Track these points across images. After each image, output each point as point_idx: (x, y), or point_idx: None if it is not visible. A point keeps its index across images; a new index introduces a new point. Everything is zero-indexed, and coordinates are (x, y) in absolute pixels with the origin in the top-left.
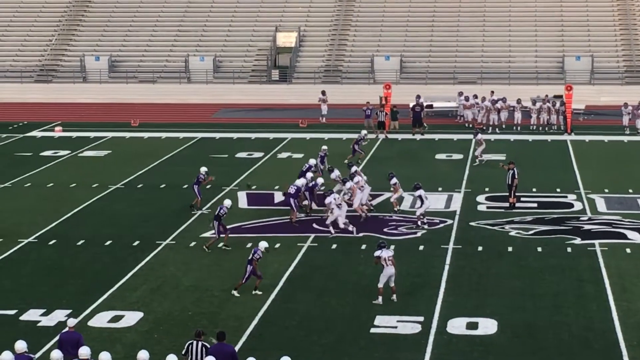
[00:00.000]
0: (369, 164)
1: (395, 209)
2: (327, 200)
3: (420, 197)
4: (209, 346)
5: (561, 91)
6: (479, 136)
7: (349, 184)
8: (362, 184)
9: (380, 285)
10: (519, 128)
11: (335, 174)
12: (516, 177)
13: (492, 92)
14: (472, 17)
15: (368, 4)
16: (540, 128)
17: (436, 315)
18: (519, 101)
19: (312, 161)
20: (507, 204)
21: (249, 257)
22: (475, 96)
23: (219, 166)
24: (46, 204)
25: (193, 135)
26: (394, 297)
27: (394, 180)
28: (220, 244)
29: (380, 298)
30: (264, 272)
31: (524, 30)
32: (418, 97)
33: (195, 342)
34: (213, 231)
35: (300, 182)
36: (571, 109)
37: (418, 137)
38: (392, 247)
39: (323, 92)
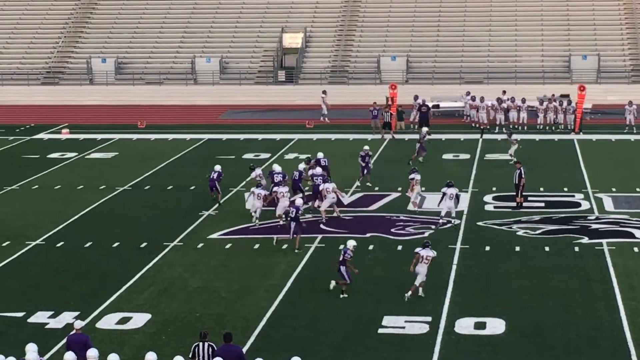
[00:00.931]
0: (376, 164)
1: (415, 208)
2: (321, 187)
3: (456, 195)
4: (215, 347)
5: (568, 90)
6: (514, 136)
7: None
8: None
9: (418, 283)
10: (525, 127)
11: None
12: (523, 176)
13: (504, 91)
14: (478, 17)
15: (374, 4)
16: (547, 127)
17: (444, 315)
18: (523, 100)
19: (302, 166)
20: (514, 204)
21: (340, 259)
22: (474, 97)
23: (226, 167)
24: (53, 206)
25: (200, 137)
26: (421, 291)
27: (413, 175)
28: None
29: (421, 290)
30: (271, 274)
31: (530, 30)
32: (416, 97)
33: (201, 344)
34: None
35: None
36: (582, 109)
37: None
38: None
39: (324, 92)
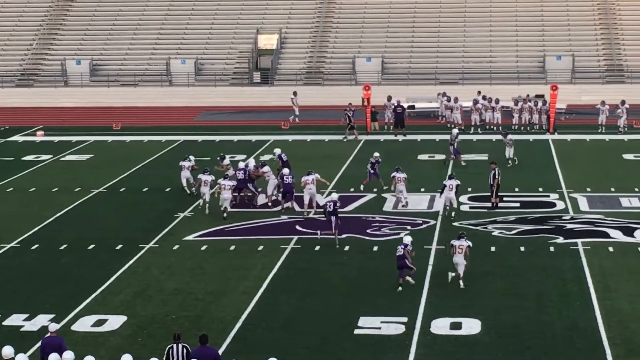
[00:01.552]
0: (351, 165)
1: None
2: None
3: (456, 186)
4: (189, 349)
5: (542, 91)
6: (509, 137)
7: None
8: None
9: (461, 272)
10: (500, 128)
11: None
12: (497, 177)
13: (479, 92)
14: (452, 18)
15: (349, 5)
16: (522, 128)
17: (420, 316)
18: (497, 101)
19: (252, 163)
20: (489, 204)
21: (399, 254)
22: (449, 98)
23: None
24: (28, 208)
25: (175, 139)
26: (461, 282)
27: (398, 174)
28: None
29: (460, 282)
30: (247, 275)
31: (504, 31)
32: (389, 98)
33: (175, 346)
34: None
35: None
36: (555, 109)
37: (400, 138)
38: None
39: (294, 93)
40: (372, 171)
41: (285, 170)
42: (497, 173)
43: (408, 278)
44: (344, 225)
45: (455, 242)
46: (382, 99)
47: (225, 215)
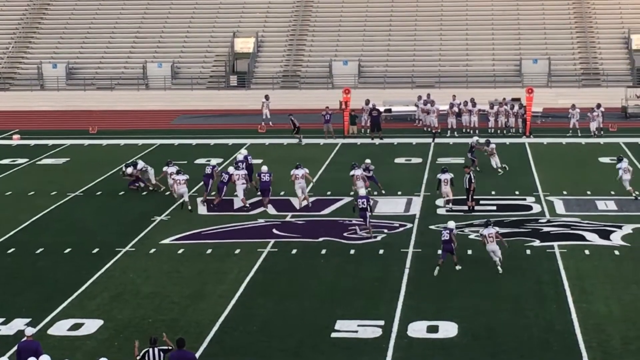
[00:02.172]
0: (328, 168)
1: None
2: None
3: (451, 180)
4: (166, 349)
5: (519, 94)
6: (492, 146)
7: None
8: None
9: (495, 258)
10: (476, 131)
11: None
12: (473, 181)
13: (454, 95)
14: (429, 21)
15: (325, 9)
16: (499, 131)
17: (397, 319)
18: (474, 104)
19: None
20: (465, 208)
21: (445, 238)
22: (425, 102)
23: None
24: (5, 212)
25: (152, 142)
26: (499, 268)
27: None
28: None
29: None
30: (224, 279)
31: (481, 34)
32: (367, 101)
33: (151, 350)
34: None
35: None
36: (531, 112)
37: (377, 141)
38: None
39: (266, 97)
40: (368, 175)
41: (264, 168)
42: (472, 177)
43: (457, 267)
44: (320, 229)
45: (485, 232)
46: (359, 102)
47: (190, 208)
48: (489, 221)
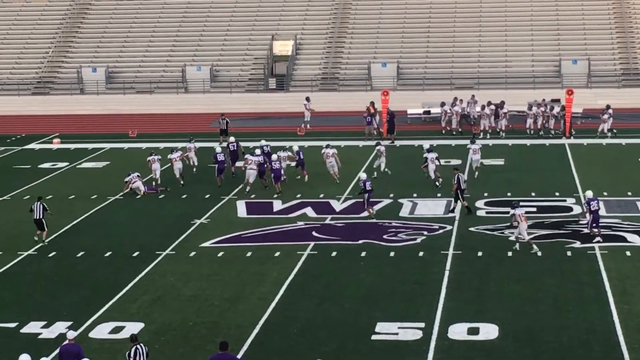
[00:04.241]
0: (367, 171)
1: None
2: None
3: (436, 158)
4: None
5: (558, 95)
6: (381, 147)
7: None
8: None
9: (527, 238)
10: (503, 134)
11: None
12: (459, 181)
13: (490, 102)
14: (468, 22)
15: (364, 11)
16: (539, 132)
17: (437, 321)
18: (502, 106)
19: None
20: (507, 209)
21: (594, 209)
22: (444, 103)
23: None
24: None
25: (191, 145)
26: (535, 247)
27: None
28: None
29: (535, 247)
30: (264, 281)
31: (520, 35)
32: (372, 103)
33: (139, 346)
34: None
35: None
36: (571, 113)
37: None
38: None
39: (307, 99)
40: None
41: (274, 156)
42: (459, 178)
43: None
44: (360, 231)
45: (515, 212)
46: (397, 104)
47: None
48: (517, 203)
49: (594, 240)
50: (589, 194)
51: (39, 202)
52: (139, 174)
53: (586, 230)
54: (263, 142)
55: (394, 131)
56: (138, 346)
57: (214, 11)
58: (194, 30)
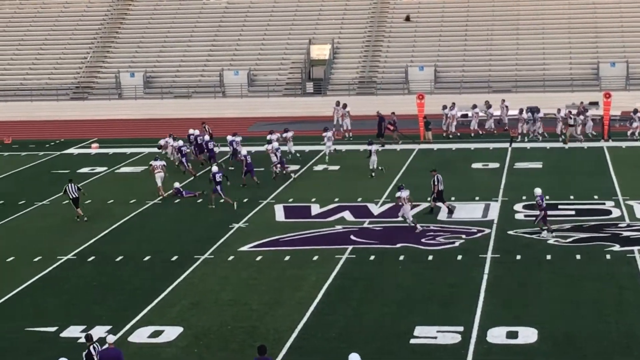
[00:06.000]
0: (405, 175)
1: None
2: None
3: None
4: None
5: (596, 98)
6: (374, 146)
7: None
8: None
9: (411, 219)
10: (526, 138)
11: None
12: (436, 183)
13: (503, 100)
14: (505, 25)
15: (401, 14)
16: (561, 138)
17: (476, 325)
18: (538, 110)
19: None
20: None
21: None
22: (445, 106)
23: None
24: (84, 220)
25: (229, 149)
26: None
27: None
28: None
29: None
30: (302, 285)
31: (557, 38)
32: (445, 107)
33: (92, 346)
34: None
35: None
36: (609, 116)
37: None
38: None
39: (344, 105)
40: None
41: (244, 151)
42: (437, 179)
43: None
44: (398, 235)
45: (402, 194)
46: (435, 108)
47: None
48: (402, 185)
49: (542, 235)
50: (538, 191)
51: (71, 184)
52: (164, 164)
53: (626, 233)
54: (233, 138)
55: (383, 135)
56: (94, 345)
57: (251, 16)
58: (232, 35)
